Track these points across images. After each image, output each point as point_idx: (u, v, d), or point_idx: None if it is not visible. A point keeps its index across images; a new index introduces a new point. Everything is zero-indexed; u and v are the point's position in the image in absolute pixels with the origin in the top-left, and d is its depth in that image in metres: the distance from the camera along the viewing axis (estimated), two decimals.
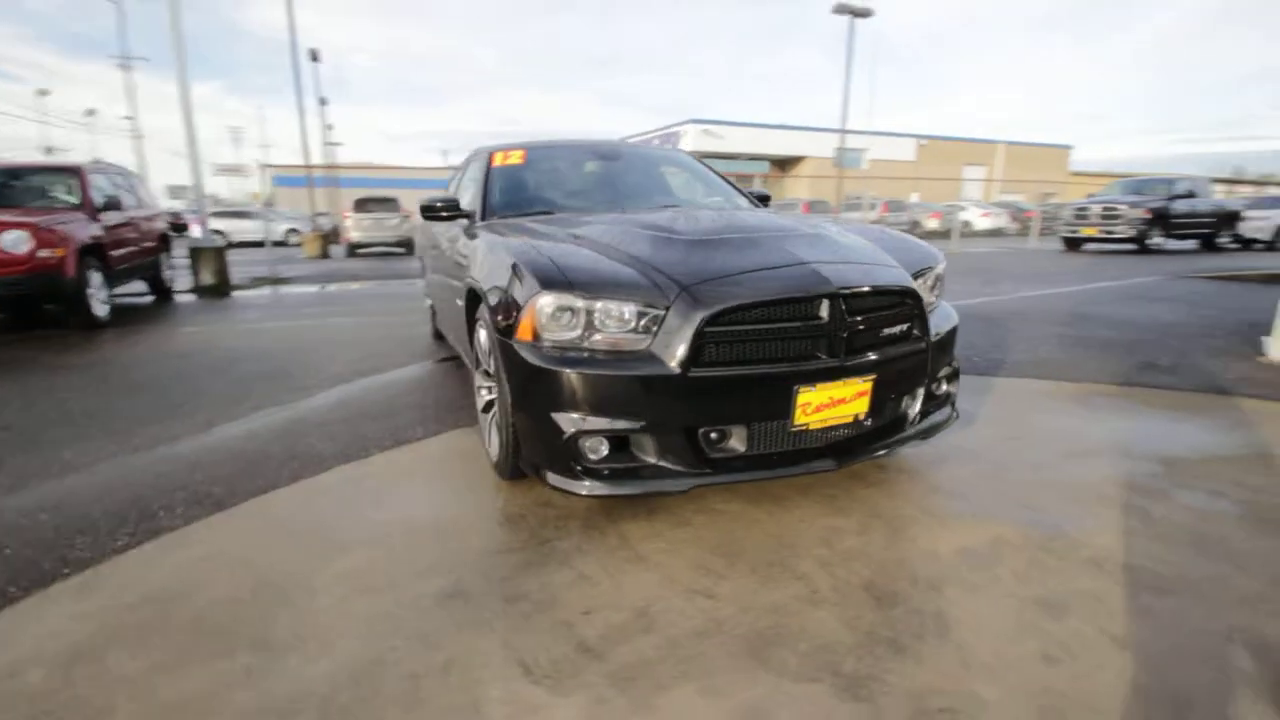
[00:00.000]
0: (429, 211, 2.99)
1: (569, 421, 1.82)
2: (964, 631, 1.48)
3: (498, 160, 3.25)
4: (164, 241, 7.56)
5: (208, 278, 8.09)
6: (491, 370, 2.27)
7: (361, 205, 15.05)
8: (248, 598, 1.67)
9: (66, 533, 2.04)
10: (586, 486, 1.84)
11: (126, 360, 4.48)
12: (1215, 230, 14.21)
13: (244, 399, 3.45)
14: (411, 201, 16.51)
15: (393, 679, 1.37)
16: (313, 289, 8.97)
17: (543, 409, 1.85)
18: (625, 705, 1.29)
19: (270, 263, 11.25)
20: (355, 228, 14.80)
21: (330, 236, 16.71)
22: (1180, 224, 13.79)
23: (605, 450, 1.84)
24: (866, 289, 1.92)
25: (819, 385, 1.84)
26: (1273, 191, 20.64)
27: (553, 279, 1.86)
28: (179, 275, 8.25)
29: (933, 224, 22.82)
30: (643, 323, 1.80)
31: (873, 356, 1.93)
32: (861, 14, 20.01)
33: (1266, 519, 1.97)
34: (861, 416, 1.95)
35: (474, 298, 2.44)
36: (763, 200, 3.59)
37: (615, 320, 1.81)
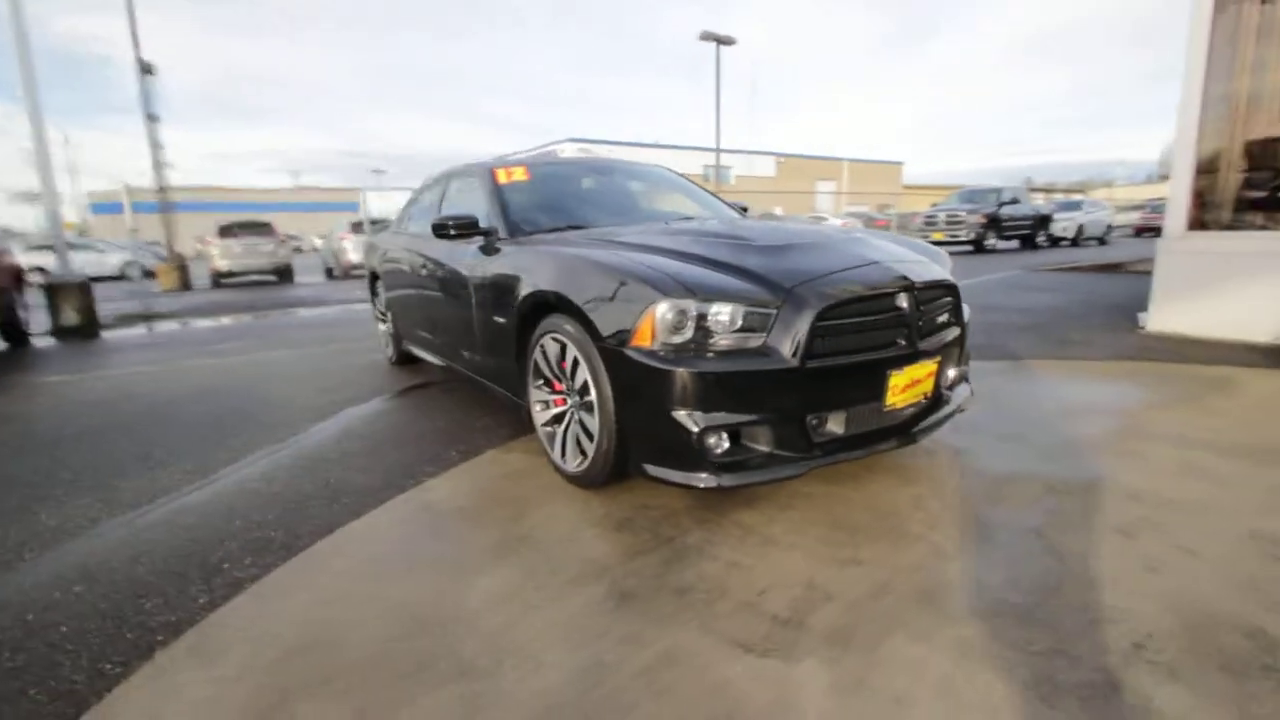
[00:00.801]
0: (441, 231, 2.93)
1: (695, 419, 1.91)
2: (1076, 558, 1.76)
3: (502, 178, 3.23)
4: (16, 279, 6.47)
5: (71, 317, 7.01)
6: (567, 381, 2.30)
7: (228, 231, 13.74)
8: (407, 632, 1.59)
9: (123, 600, 1.79)
10: (707, 480, 1.93)
11: (33, 413, 3.84)
12: (1034, 231, 16.77)
13: (220, 443, 3.12)
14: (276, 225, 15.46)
15: (626, 676, 1.40)
16: (207, 323, 8.07)
17: (664, 410, 1.93)
18: (856, 660, 1.41)
19: (125, 298, 9.93)
20: (224, 255, 13.54)
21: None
22: (1009, 227, 16.16)
23: (726, 444, 1.95)
24: (930, 281, 2.20)
25: (904, 369, 2.08)
26: (1074, 197, 24.66)
27: (669, 287, 1.95)
28: (34, 316, 7.08)
29: None
30: (755, 322, 1.94)
31: (935, 341, 2.21)
32: (725, 41, 21.42)
33: (1231, 449, 2.48)
34: (929, 395, 2.22)
35: (535, 312, 2.44)
36: (742, 210, 3.85)
37: (729, 321, 1.92)
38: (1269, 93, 4.25)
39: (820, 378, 1.94)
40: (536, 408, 2.55)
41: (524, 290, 2.48)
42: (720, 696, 1.33)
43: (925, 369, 2.15)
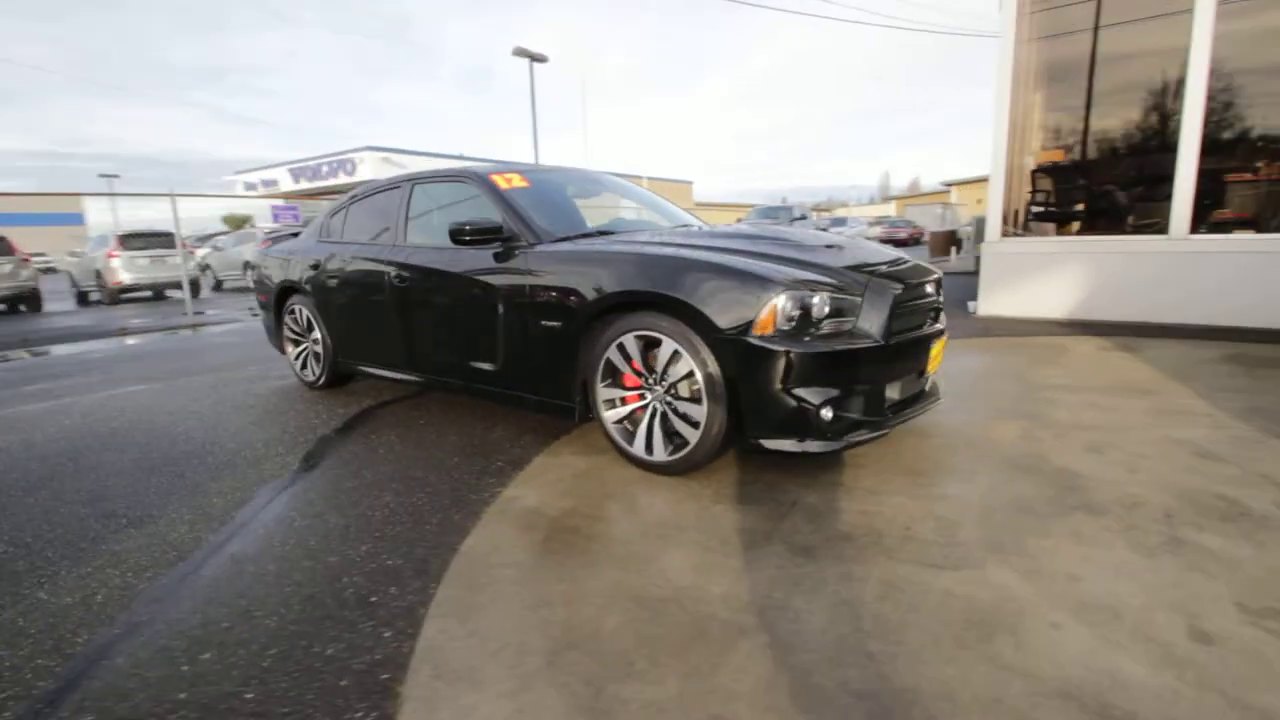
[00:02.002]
0: (458, 237, 2.85)
1: (814, 394, 2.20)
2: (1083, 471, 2.38)
3: (503, 185, 3.19)
4: None
5: None
6: (653, 375, 2.44)
7: (128, 241, 12.55)
8: (653, 613, 1.66)
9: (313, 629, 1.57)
10: (822, 446, 2.24)
11: None
12: None
13: (194, 488, 2.65)
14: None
15: (872, 605, 1.64)
16: (101, 345, 6.29)
17: (786, 388, 2.19)
18: (1018, 558, 1.82)
19: None
20: (126, 268, 12.39)
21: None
22: None
23: (831, 414, 2.27)
24: (940, 275, 2.74)
25: (935, 344, 2.59)
26: (839, 214, 29.16)
27: (786, 280, 2.22)
28: None
29: None
30: (847, 308, 2.29)
31: (944, 322, 2.76)
32: (538, 58, 21.74)
33: (1101, 389, 3.40)
34: (939, 366, 2.77)
35: (605, 313, 2.53)
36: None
37: (830, 309, 2.25)
38: (1038, 129, 5.72)
39: (896, 352, 2.36)
40: (605, 406, 2.63)
41: (593, 292, 2.56)
42: (954, 602, 1.64)
43: (940, 345, 2.69)
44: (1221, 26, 4.52)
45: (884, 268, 2.50)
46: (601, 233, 3.07)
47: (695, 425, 2.37)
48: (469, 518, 2.27)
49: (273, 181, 31.39)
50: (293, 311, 4.24)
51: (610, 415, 2.63)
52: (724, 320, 2.24)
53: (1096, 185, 5.77)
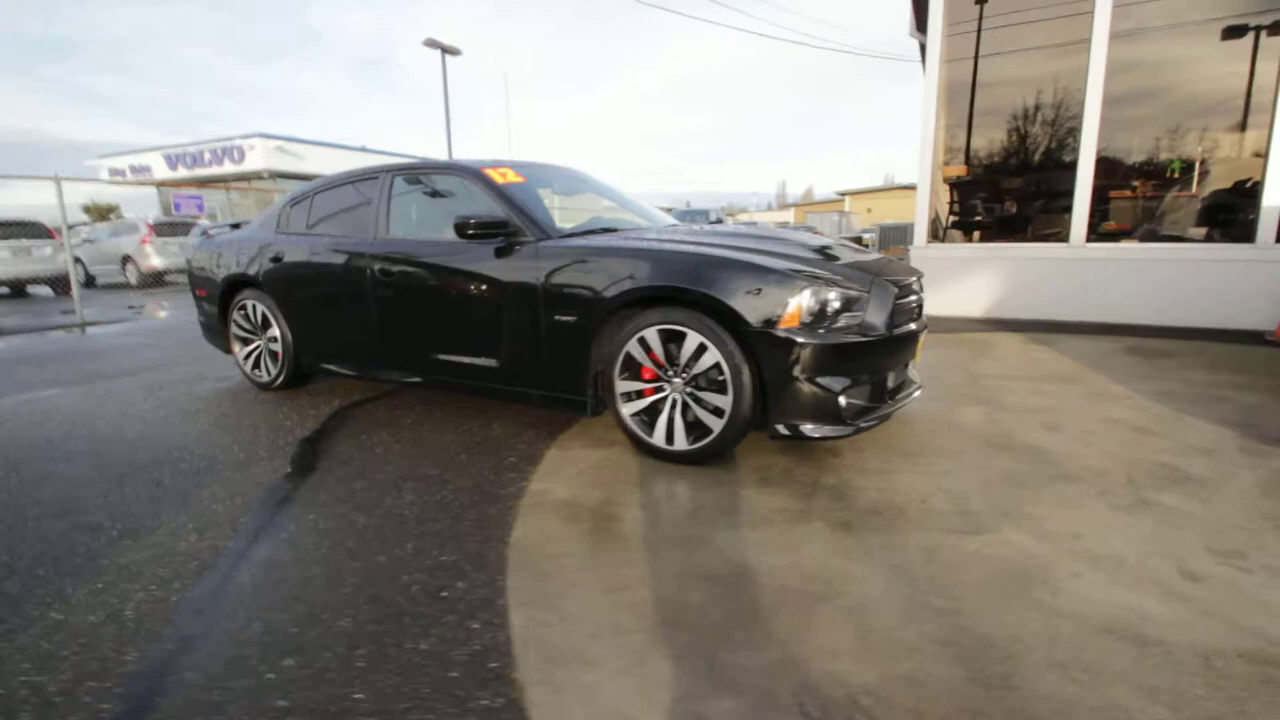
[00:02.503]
0: (466, 232, 2.83)
1: (835, 382, 2.38)
2: (1050, 447, 2.71)
3: (498, 178, 3.15)
4: None
5: None
6: (673, 368, 2.53)
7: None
8: (729, 589, 1.75)
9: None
10: (841, 430, 2.42)
11: None
12: None
13: (183, 496, 2.45)
14: None
15: (922, 569, 1.83)
16: None
17: (811, 377, 2.35)
18: (1026, 521, 2.07)
19: None
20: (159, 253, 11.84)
21: None
22: None
23: (847, 400, 2.45)
24: (922, 275, 3.01)
25: (921, 336, 2.85)
26: (747, 218, 30.29)
27: (808, 277, 2.38)
28: None
29: None
30: (855, 304, 2.48)
31: (925, 319, 3.04)
32: (451, 51, 21.05)
33: (1035, 377, 3.84)
34: (920, 357, 3.04)
35: (625, 307, 2.60)
36: None
37: (843, 304, 2.44)
38: (950, 146, 6.31)
39: (897, 343, 2.59)
40: (622, 399, 2.69)
41: (614, 287, 2.61)
42: (988, 562, 1.86)
43: (924, 337, 2.96)
44: (1104, 57, 5.22)
45: (886, 268, 2.73)
46: (605, 229, 3.12)
47: (720, 414, 2.48)
48: (505, 511, 2.26)
49: (145, 168, 28.33)
50: (243, 308, 3.95)
51: (628, 408, 2.70)
52: (753, 314, 2.37)
53: (1004, 198, 6.45)
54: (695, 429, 2.56)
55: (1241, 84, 5.67)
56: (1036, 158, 6.37)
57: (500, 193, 3.08)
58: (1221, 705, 1.30)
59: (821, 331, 2.37)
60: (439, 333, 3.18)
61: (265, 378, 3.97)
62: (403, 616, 1.66)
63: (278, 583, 1.83)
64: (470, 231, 2.85)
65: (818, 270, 2.47)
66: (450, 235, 3.21)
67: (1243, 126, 5.79)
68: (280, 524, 2.20)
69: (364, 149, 31.25)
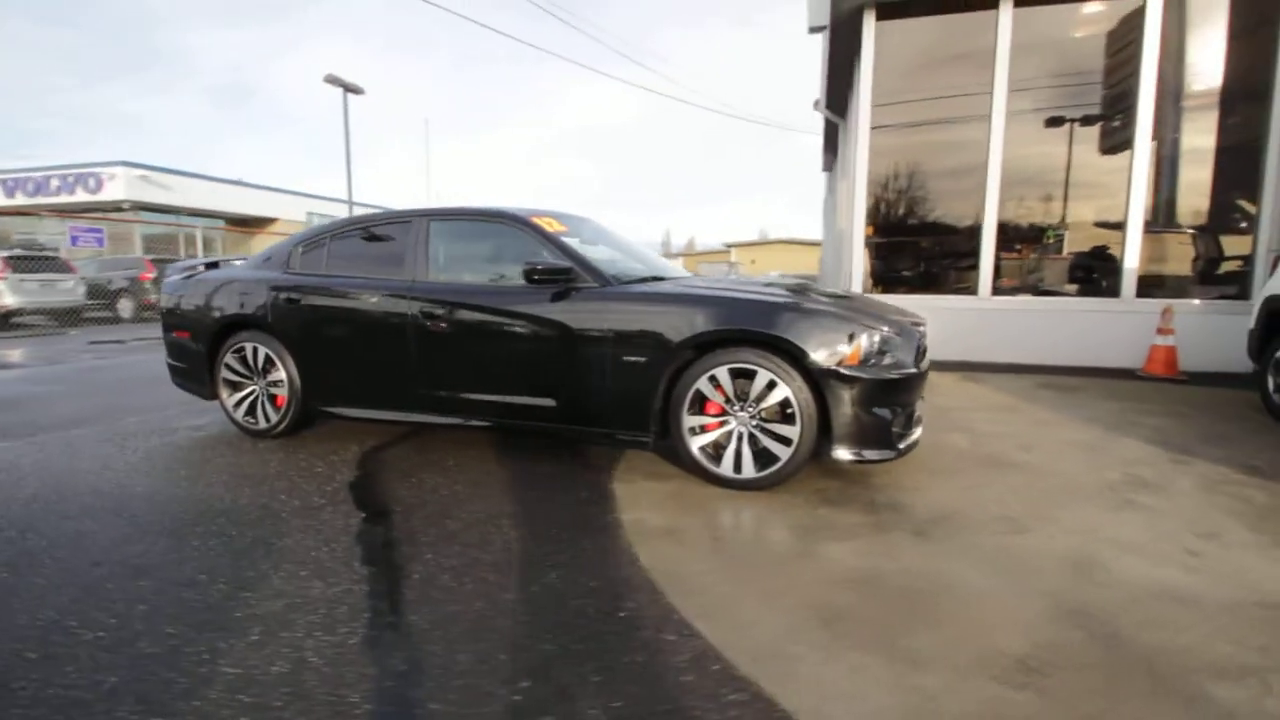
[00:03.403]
0: (533, 277, 2.99)
1: (887, 412, 2.76)
2: (1033, 462, 3.25)
3: (547, 227, 3.33)
4: None
5: None
6: (740, 402, 2.81)
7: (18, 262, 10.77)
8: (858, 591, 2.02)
9: None
10: (891, 455, 2.80)
11: None
12: None
13: (275, 546, 2.33)
14: None
15: (1005, 555, 2.20)
16: None
17: (870, 408, 2.72)
18: (1062, 521, 2.52)
19: None
20: (13, 290, 10.86)
21: None
22: None
23: (897, 428, 2.83)
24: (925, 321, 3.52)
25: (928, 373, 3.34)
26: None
27: (866, 323, 2.77)
28: None
29: None
30: (895, 345, 2.90)
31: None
32: (353, 90, 20.52)
33: (988, 407, 4.49)
34: None
35: (697, 350, 2.85)
36: None
37: (888, 345, 2.84)
38: (874, 208, 7.21)
39: (922, 377, 3.04)
40: (689, 433, 2.91)
41: (685, 331, 2.85)
42: (1049, 555, 2.27)
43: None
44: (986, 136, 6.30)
45: (905, 315, 3.20)
46: (654, 278, 3.37)
47: (787, 443, 2.78)
48: (617, 540, 2.39)
49: None
50: (240, 350, 3.74)
51: (694, 441, 2.92)
52: (821, 355, 2.71)
53: (915, 256, 7.42)
54: (762, 458, 2.83)
55: (1061, 163, 6.97)
56: (948, 221, 7.41)
57: (553, 241, 3.25)
58: (1261, 638, 1.75)
59: (874, 368, 2.76)
60: (490, 374, 3.24)
61: (262, 424, 3.75)
62: (598, 636, 1.77)
63: (450, 618, 1.86)
64: (537, 277, 3.01)
65: (869, 318, 2.88)
66: (501, 279, 3.34)
67: (1064, 198, 7.05)
68: (402, 566, 2.19)
69: (239, 182, 29.23)
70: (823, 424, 2.76)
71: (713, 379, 2.85)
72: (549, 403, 3.14)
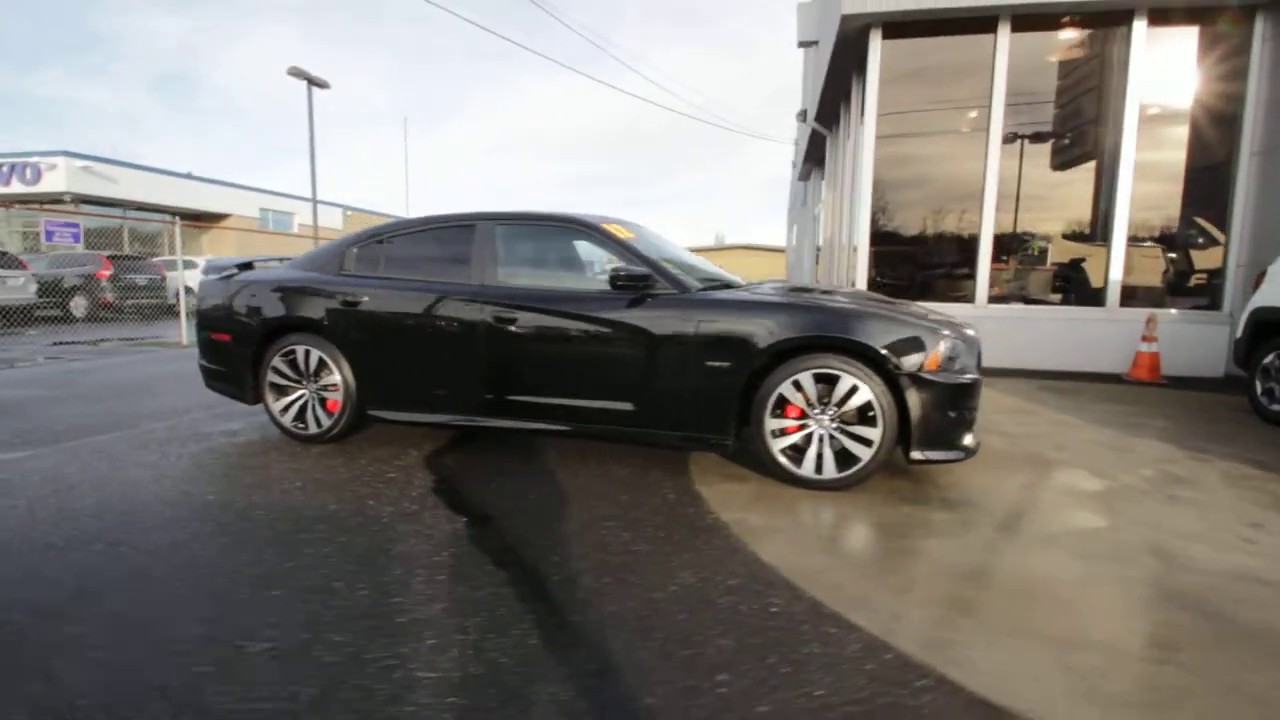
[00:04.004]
0: (617, 283, 3.06)
1: (961, 413, 2.92)
2: (1054, 460, 3.49)
3: (619, 234, 3.38)
4: None
5: None
6: (820, 405, 2.93)
7: None
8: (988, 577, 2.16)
9: None
10: (964, 455, 2.96)
11: None
12: None
13: (416, 556, 2.32)
14: None
15: (1085, 543, 2.38)
16: None
17: (946, 410, 2.88)
18: (1122, 512, 2.73)
19: None
20: None
21: None
22: None
23: (969, 428, 3.00)
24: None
25: None
26: None
27: (943, 331, 2.92)
28: None
29: None
30: (963, 351, 3.06)
31: None
32: (320, 84, 19.89)
33: (988, 410, 4.75)
34: None
35: (777, 357, 2.96)
36: None
37: (959, 349, 3.00)
38: (878, 220, 7.49)
39: (980, 382, 3.22)
40: (771, 436, 3.01)
41: (770, 337, 2.95)
42: (1128, 543, 2.46)
43: None
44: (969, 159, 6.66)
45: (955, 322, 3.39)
46: (725, 285, 3.46)
47: (868, 445, 2.91)
48: (730, 540, 2.46)
49: None
50: (289, 354, 3.65)
51: (776, 443, 3.02)
52: (904, 361, 2.86)
53: (918, 264, 7.75)
54: (842, 459, 2.96)
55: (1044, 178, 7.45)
56: (938, 231, 7.75)
57: (629, 247, 3.31)
58: None
59: (950, 373, 2.93)
60: (566, 379, 3.27)
61: (313, 429, 3.66)
62: (765, 630, 1.85)
63: (613, 618, 1.90)
64: (621, 283, 3.06)
65: (944, 326, 3.04)
66: (572, 284, 3.38)
67: (1015, 209, 7.48)
68: (535, 568, 2.21)
69: (189, 176, 27.93)
70: (899, 426, 2.91)
71: (796, 383, 2.96)
72: (627, 406, 3.19)
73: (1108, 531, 2.59)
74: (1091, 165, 6.89)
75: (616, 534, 2.51)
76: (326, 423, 3.64)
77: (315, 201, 21.70)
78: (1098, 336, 6.50)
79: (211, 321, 3.88)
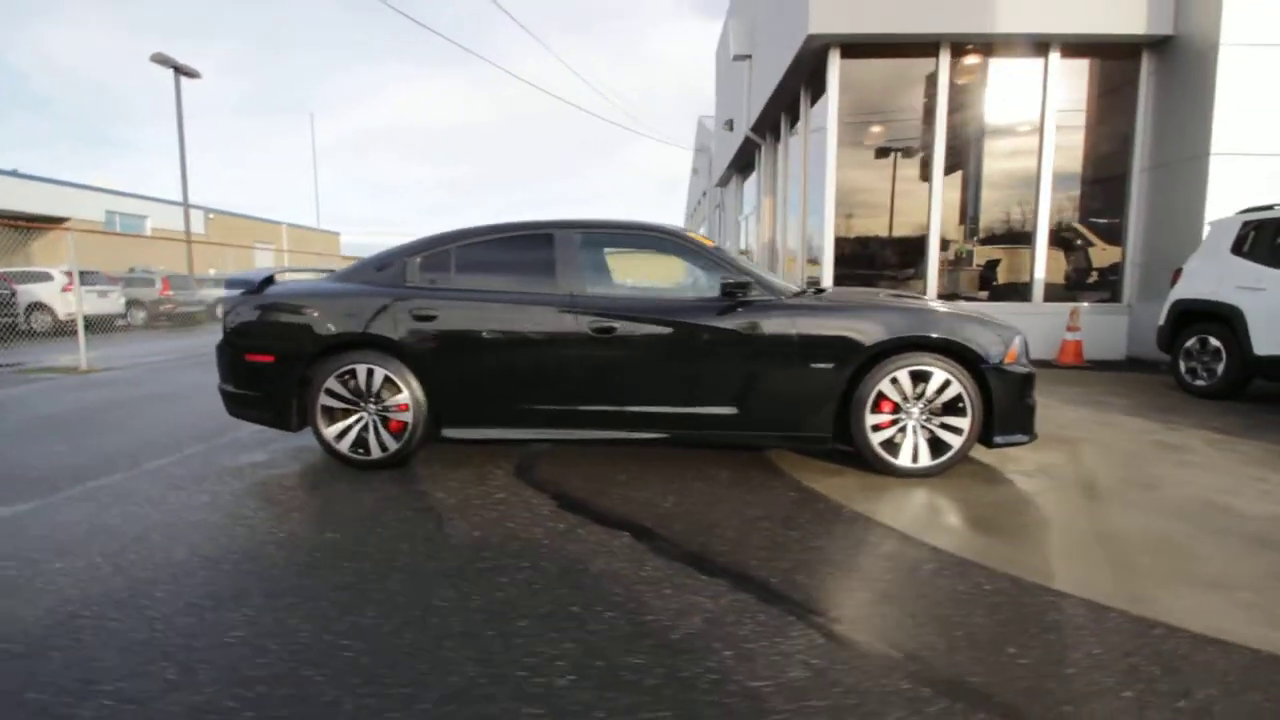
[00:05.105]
0: (726, 290, 3.15)
1: (1031, 398, 3.29)
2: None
3: (705, 242, 3.45)
4: None
5: None
6: (913, 400, 3.19)
7: None
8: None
9: None
10: (1031, 438, 3.32)
11: None
12: None
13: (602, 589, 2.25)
14: None
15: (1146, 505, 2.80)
16: None
17: (1023, 398, 3.23)
18: (1168, 481, 3.21)
19: None
20: None
21: None
22: None
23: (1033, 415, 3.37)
24: None
25: None
26: None
27: (1016, 329, 3.27)
28: None
29: None
30: (1024, 343, 3.43)
31: None
32: (189, 73, 17.79)
33: None
34: None
35: (874, 358, 3.17)
36: None
37: (1026, 344, 3.37)
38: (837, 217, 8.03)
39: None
40: (871, 430, 3.23)
41: (872, 339, 3.16)
42: (1183, 501, 2.91)
43: None
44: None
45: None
46: (818, 290, 3.62)
47: (959, 433, 3.20)
48: (889, 531, 2.63)
49: None
50: (348, 374, 3.36)
51: (875, 437, 3.24)
52: (990, 356, 3.17)
53: (872, 264, 8.37)
54: (934, 448, 3.23)
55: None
56: (885, 235, 8.43)
57: (718, 255, 3.39)
58: None
59: (1023, 365, 3.29)
60: (668, 387, 3.28)
61: (376, 453, 3.39)
62: (1000, 607, 2.02)
63: (866, 612, 2.00)
64: (728, 290, 3.15)
65: (1005, 323, 3.40)
66: (669, 292, 3.41)
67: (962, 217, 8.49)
68: (744, 574, 2.25)
69: (13, 173, 23.97)
70: (986, 414, 3.23)
71: (894, 380, 3.19)
72: (730, 411, 3.27)
73: (1166, 493, 3.04)
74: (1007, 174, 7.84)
75: (783, 532, 2.59)
76: (394, 446, 3.39)
77: (187, 206, 19.60)
78: (1027, 328, 7.33)
79: (247, 342, 3.47)
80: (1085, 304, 7.48)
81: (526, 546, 2.47)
